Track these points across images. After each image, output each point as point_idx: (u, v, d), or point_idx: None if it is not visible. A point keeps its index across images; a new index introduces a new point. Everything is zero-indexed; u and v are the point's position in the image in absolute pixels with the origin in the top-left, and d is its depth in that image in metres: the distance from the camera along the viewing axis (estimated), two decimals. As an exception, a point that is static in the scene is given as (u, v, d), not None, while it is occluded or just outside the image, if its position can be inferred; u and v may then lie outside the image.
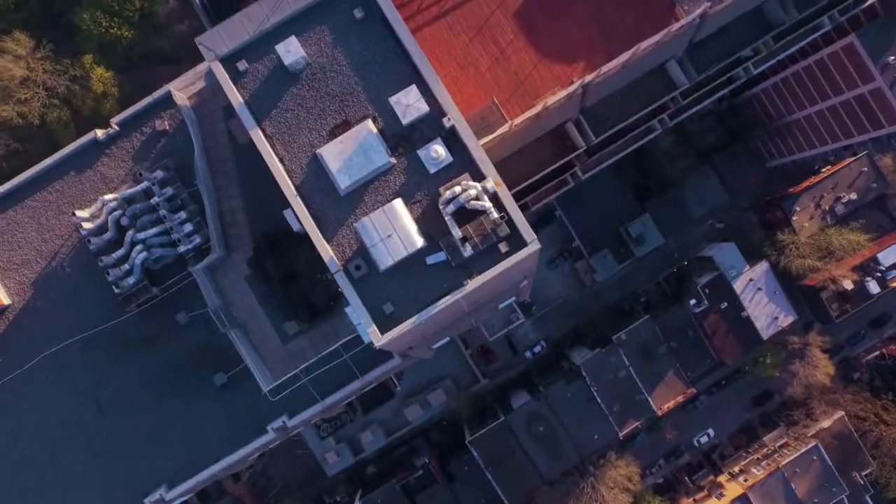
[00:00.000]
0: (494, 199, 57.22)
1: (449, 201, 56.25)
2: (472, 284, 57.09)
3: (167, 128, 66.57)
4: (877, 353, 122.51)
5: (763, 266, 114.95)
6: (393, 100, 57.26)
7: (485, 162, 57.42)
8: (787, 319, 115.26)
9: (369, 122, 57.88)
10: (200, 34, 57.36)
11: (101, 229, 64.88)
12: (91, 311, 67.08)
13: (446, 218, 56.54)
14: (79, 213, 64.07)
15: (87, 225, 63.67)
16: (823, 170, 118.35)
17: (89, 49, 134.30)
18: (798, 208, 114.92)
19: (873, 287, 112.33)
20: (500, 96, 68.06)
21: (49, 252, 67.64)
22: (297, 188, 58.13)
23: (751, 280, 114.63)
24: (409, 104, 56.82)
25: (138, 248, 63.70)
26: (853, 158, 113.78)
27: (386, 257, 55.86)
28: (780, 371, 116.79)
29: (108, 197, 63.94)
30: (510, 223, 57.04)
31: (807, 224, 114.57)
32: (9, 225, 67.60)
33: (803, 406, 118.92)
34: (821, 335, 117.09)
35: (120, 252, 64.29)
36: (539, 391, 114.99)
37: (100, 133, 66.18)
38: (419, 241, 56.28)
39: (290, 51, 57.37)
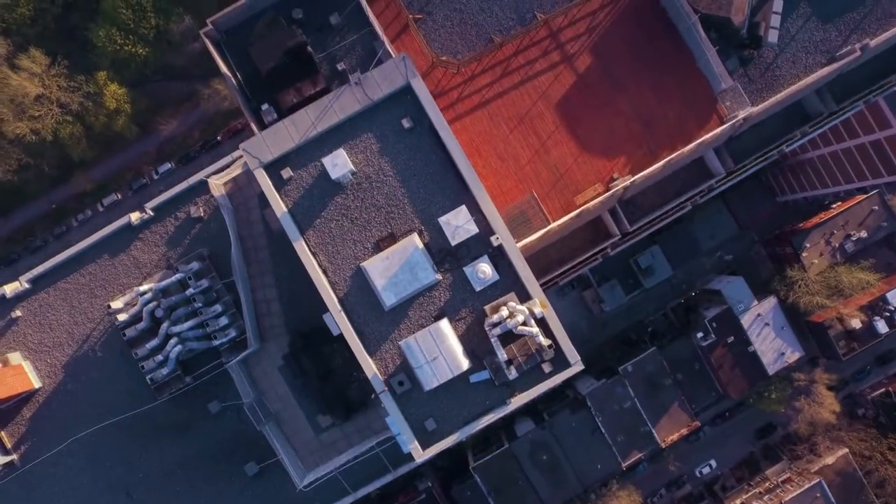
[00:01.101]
0: (541, 322, 54.75)
1: (496, 325, 54.12)
2: (516, 403, 55.19)
3: (202, 214, 63.74)
4: (882, 390, 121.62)
5: (771, 301, 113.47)
6: (442, 220, 54.77)
7: (531, 282, 55.34)
8: (793, 355, 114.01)
9: (415, 237, 55.45)
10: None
11: (136, 319, 62.23)
12: (122, 395, 64.93)
13: (492, 339, 54.63)
14: (113, 304, 61.53)
15: (121, 317, 61.16)
16: (834, 206, 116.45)
17: (103, 65, 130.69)
18: (808, 245, 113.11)
19: (882, 327, 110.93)
20: (540, 190, 65.53)
21: (81, 335, 65.16)
22: (340, 301, 55.47)
23: (758, 315, 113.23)
24: (458, 226, 54.40)
25: (173, 341, 61.38)
26: (864, 196, 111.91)
27: (431, 379, 53.94)
28: (786, 407, 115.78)
29: (142, 288, 61.27)
30: (554, 343, 54.91)
31: (816, 261, 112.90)
32: (41, 307, 64.97)
33: (807, 441, 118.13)
34: (827, 372, 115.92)
35: (154, 342, 61.97)
36: (544, 419, 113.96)
37: (133, 217, 63.34)
38: (465, 364, 54.35)
39: (338, 164, 54.77)
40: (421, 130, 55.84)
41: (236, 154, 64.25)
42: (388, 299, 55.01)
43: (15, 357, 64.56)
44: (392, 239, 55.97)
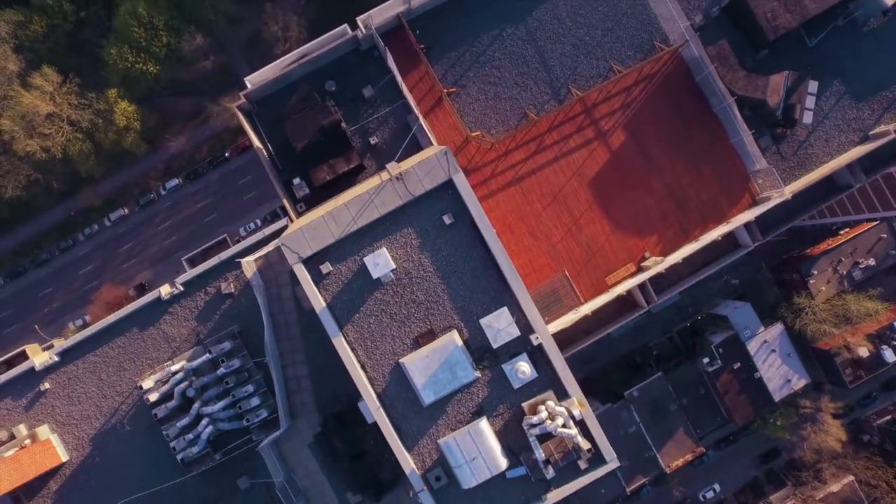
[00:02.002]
0: (580, 423, 53.78)
1: (535, 425, 53.05)
2: (552, 498, 54.34)
3: (232, 290, 62.26)
4: (888, 417, 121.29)
5: (778, 328, 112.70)
6: (484, 322, 53.57)
7: (570, 380, 54.32)
8: (799, 382, 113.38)
9: (455, 334, 54.21)
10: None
11: (166, 397, 60.80)
12: (150, 470, 63.68)
13: (530, 439, 53.74)
14: (144, 384, 59.94)
15: (152, 397, 59.80)
16: (842, 232, 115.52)
17: (114, 82, 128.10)
18: (815, 271, 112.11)
19: (889, 356, 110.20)
20: (572, 269, 64.36)
21: (109, 408, 63.78)
22: (378, 396, 54.22)
23: (765, 342, 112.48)
24: (500, 329, 53.26)
25: (205, 421, 60.16)
26: (872, 224, 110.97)
27: (470, 478, 53.10)
28: (791, 433, 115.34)
29: (174, 368, 59.86)
30: (591, 440, 54.14)
31: (823, 288, 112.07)
32: (70, 379, 63.51)
33: (812, 468, 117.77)
34: (832, 399, 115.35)
35: (185, 421, 60.76)
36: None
37: (163, 292, 61.67)
38: (503, 464, 53.49)
39: (380, 264, 53.36)
40: (462, 226, 54.28)
41: (268, 230, 62.48)
42: (428, 397, 53.89)
43: (43, 431, 63.06)
44: (431, 335, 54.66)
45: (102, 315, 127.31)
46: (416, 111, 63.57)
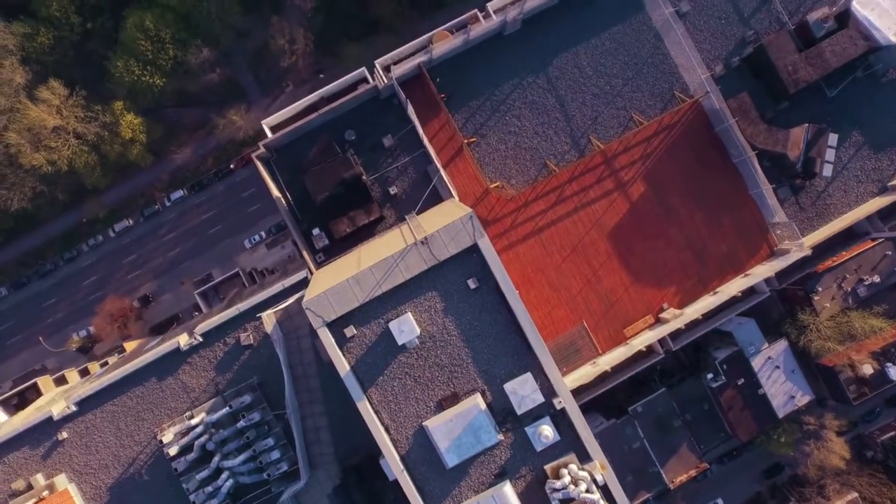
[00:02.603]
0: (603, 487, 53.60)
1: (558, 490, 52.81)
2: (571, 557, 54.16)
3: (252, 342, 61.64)
4: (892, 433, 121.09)
5: (782, 345, 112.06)
6: (508, 388, 53.29)
7: (592, 444, 54.08)
8: (803, 399, 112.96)
9: (478, 398, 53.87)
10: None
11: (186, 450, 60.34)
12: (169, 519, 62.91)
13: (553, 503, 53.12)
14: (164, 437, 59.55)
15: (171, 451, 59.30)
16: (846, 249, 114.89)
17: (120, 94, 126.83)
18: (820, 288, 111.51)
19: (893, 373, 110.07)
20: (590, 320, 64.03)
21: (127, 458, 63.31)
22: (402, 458, 53.88)
23: (769, 358, 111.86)
24: (524, 395, 52.98)
25: (225, 475, 59.86)
26: (877, 241, 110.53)
27: (492, 542, 52.47)
28: (794, 450, 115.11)
29: (193, 422, 59.44)
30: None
31: (828, 305, 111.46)
32: (87, 429, 62.97)
33: (816, 484, 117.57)
34: (836, 415, 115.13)
35: (204, 474, 60.47)
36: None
37: (182, 342, 61.11)
38: (526, 527, 52.87)
39: (405, 331, 52.77)
40: (486, 290, 53.80)
41: (288, 281, 61.74)
42: (451, 460, 53.64)
43: (61, 480, 62.63)
44: (455, 398, 54.31)
45: (106, 327, 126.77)
46: (436, 162, 62.85)
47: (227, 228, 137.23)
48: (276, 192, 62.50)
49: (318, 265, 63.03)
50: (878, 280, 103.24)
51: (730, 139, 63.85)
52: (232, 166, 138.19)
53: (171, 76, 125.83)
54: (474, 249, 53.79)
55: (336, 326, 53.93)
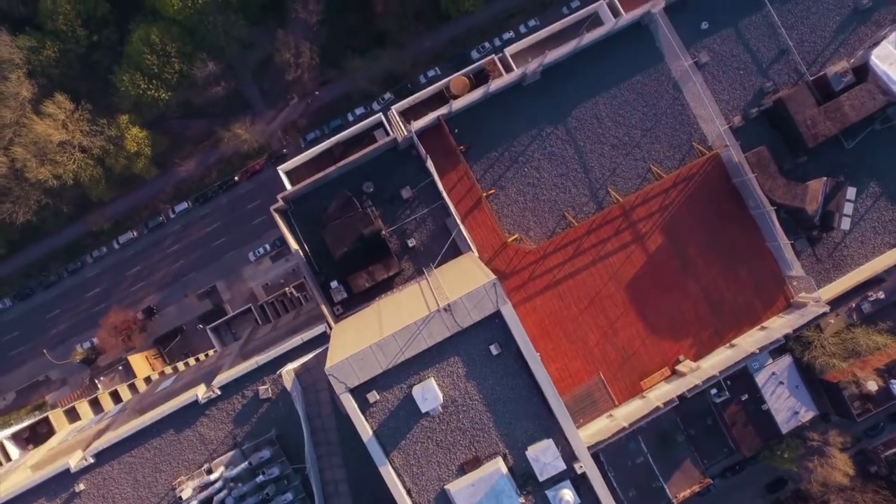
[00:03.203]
0: (623, 552, 53.55)
1: (579, 556, 52.80)
2: None
3: (270, 395, 61.35)
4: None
5: (786, 360, 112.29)
6: (530, 455, 53.39)
7: (613, 508, 53.75)
8: (807, 415, 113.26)
9: (500, 461, 53.93)
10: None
11: (205, 504, 60.30)
12: (187, 570, 62.82)
13: (573, 567, 53.21)
14: (182, 493, 59.30)
15: (190, 507, 59.11)
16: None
17: (125, 107, 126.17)
18: None
19: None
20: (607, 372, 63.96)
21: (145, 509, 62.94)
22: (423, 522, 53.89)
23: (773, 374, 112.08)
24: (546, 462, 53.06)
25: (244, 530, 59.40)
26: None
27: None
28: (797, 465, 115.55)
29: (212, 477, 59.14)
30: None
31: (832, 321, 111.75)
32: (105, 480, 62.76)
33: (819, 500, 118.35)
34: (841, 434, 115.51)
35: (223, 529, 59.93)
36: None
37: (200, 395, 60.80)
38: (547, 591, 53.05)
39: (428, 399, 52.73)
40: (508, 355, 53.70)
41: (306, 336, 61.49)
42: (473, 526, 53.45)
43: (79, 532, 62.39)
44: (476, 462, 54.29)
45: (110, 339, 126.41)
46: (455, 214, 62.42)
47: (232, 241, 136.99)
48: (294, 245, 62.10)
49: (337, 318, 62.55)
50: (883, 296, 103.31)
51: (748, 191, 63.55)
52: (236, 178, 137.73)
53: (176, 89, 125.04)
54: (497, 316, 53.46)
55: (359, 392, 53.85)
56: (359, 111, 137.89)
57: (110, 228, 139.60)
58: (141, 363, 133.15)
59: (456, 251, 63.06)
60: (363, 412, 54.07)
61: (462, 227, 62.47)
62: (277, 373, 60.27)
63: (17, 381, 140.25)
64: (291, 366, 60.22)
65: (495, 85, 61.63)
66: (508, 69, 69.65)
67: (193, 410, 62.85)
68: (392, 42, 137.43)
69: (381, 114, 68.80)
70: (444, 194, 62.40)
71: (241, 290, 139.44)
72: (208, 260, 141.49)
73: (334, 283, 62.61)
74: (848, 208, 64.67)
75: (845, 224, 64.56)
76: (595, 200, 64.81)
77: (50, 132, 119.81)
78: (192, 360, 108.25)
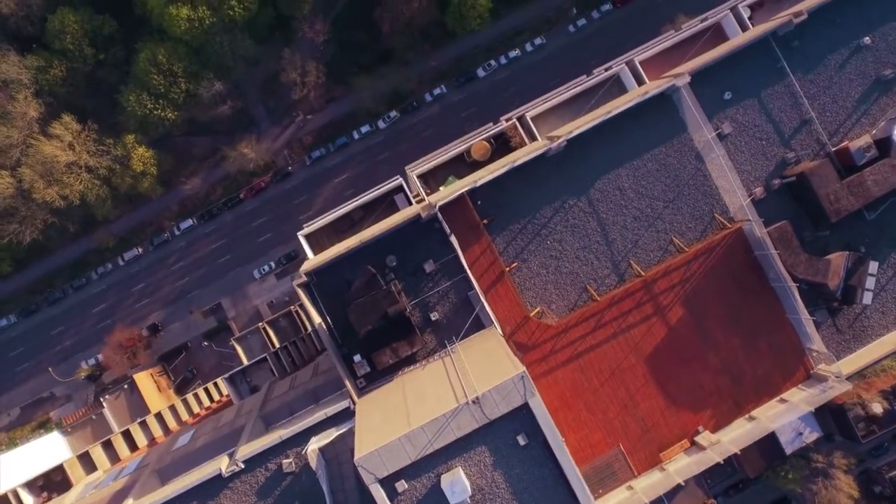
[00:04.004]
0: None
1: None
2: None
3: (293, 468, 61.34)
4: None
5: None
6: (557, 556, 53.22)
7: None
8: (811, 436, 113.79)
9: (525, 551, 53.83)
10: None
11: (228, 580, 60.39)
12: None
13: None
14: (208, 570, 59.34)
15: (215, 584, 59.18)
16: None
17: (130, 125, 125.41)
18: None
19: None
20: (626, 444, 64.22)
21: (166, 579, 63.07)
22: None
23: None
24: (573, 568, 52.95)
25: None
26: None
27: None
28: (801, 487, 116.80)
29: (237, 555, 59.21)
30: None
31: None
32: (127, 552, 62.54)
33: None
34: (845, 456, 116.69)
35: None
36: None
37: (224, 468, 60.75)
38: None
39: (457, 491, 52.88)
40: (535, 445, 53.88)
41: (330, 411, 61.44)
42: None
43: None
44: (503, 550, 54.30)
45: (115, 357, 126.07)
46: (477, 289, 62.22)
47: (237, 258, 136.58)
48: (317, 319, 61.75)
49: (360, 390, 62.47)
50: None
51: (769, 264, 63.36)
52: (241, 196, 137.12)
53: (182, 108, 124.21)
54: (525, 407, 53.52)
55: (387, 482, 53.94)
56: (364, 129, 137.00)
57: (115, 245, 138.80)
58: (146, 382, 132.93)
59: (479, 324, 62.71)
60: (391, 501, 54.04)
61: (485, 300, 62.08)
62: (302, 449, 59.96)
63: (22, 397, 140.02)
64: (316, 443, 60.06)
65: (520, 158, 61.10)
66: (530, 133, 69.00)
67: (217, 484, 62.86)
68: (398, 60, 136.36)
69: (400, 178, 68.15)
70: (467, 269, 62.03)
71: (246, 307, 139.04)
72: (213, 277, 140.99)
73: (357, 358, 62.47)
74: (870, 282, 64.62)
75: (867, 298, 64.55)
76: (617, 273, 64.60)
77: (57, 153, 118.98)
78: (202, 394, 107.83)
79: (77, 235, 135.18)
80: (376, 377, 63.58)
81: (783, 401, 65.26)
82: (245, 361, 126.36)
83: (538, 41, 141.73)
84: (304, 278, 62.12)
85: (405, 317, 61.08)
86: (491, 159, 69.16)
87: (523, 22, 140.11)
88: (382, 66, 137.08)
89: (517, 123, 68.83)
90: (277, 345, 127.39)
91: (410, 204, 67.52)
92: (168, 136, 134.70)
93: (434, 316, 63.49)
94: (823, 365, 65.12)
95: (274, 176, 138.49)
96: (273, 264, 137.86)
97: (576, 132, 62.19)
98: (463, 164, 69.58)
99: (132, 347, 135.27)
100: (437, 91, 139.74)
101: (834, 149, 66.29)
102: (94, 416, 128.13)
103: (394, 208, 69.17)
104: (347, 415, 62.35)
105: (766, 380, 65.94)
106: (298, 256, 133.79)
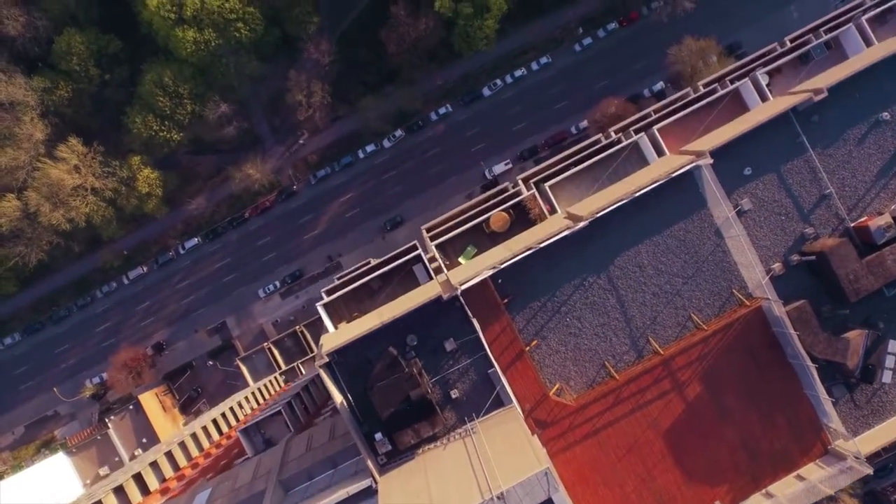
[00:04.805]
0: None
1: None
2: None
3: (315, 546, 61.81)
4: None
5: None
6: None
7: None
8: None
9: None
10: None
11: None
12: None
13: None
14: None
15: None
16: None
17: (136, 146, 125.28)
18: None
19: None
20: (644, 518, 64.57)
21: None
22: None
23: None
24: None
25: None
26: None
27: None
28: None
29: None
30: None
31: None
32: None
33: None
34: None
35: None
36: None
37: (246, 545, 61.22)
38: None
39: (481, 589, 52.94)
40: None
41: (352, 489, 61.90)
42: None
43: None
44: None
45: (120, 377, 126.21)
46: (497, 368, 62.52)
47: (242, 277, 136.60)
48: (339, 399, 61.87)
49: (381, 467, 62.81)
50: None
51: (786, 340, 63.65)
52: (246, 215, 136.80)
53: (187, 129, 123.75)
54: (548, 502, 53.88)
55: None
56: (369, 148, 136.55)
57: (120, 264, 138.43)
58: (152, 402, 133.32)
59: (499, 401, 63.02)
60: None
61: (504, 379, 62.35)
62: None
63: (26, 416, 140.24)
64: (339, 528, 60.38)
65: (543, 243, 61.04)
66: (549, 203, 68.92)
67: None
68: (403, 79, 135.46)
69: (420, 251, 68.03)
70: (487, 348, 62.21)
71: (250, 326, 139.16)
72: (218, 296, 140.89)
73: (378, 436, 62.67)
74: (889, 361, 65.06)
75: (887, 377, 65.10)
76: (635, 349, 64.86)
77: (63, 177, 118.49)
78: (211, 427, 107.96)
79: (82, 255, 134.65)
80: (397, 454, 63.68)
81: (800, 477, 65.62)
82: (250, 382, 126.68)
83: (544, 60, 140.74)
84: (326, 359, 61.96)
85: (427, 399, 61.25)
86: (510, 230, 68.95)
87: (529, 41, 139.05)
88: (388, 85, 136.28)
89: (536, 194, 68.54)
90: (283, 366, 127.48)
91: (430, 276, 67.23)
92: (173, 155, 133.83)
93: (454, 394, 63.68)
94: (841, 441, 65.49)
95: (279, 195, 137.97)
96: (278, 283, 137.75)
97: (598, 214, 61.85)
98: (482, 233, 69.25)
99: (137, 367, 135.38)
100: (442, 110, 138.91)
101: (853, 224, 66.25)
102: (98, 437, 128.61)
103: (412, 277, 68.91)
104: (368, 493, 62.56)
105: (783, 455, 66.40)
106: (303, 275, 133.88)
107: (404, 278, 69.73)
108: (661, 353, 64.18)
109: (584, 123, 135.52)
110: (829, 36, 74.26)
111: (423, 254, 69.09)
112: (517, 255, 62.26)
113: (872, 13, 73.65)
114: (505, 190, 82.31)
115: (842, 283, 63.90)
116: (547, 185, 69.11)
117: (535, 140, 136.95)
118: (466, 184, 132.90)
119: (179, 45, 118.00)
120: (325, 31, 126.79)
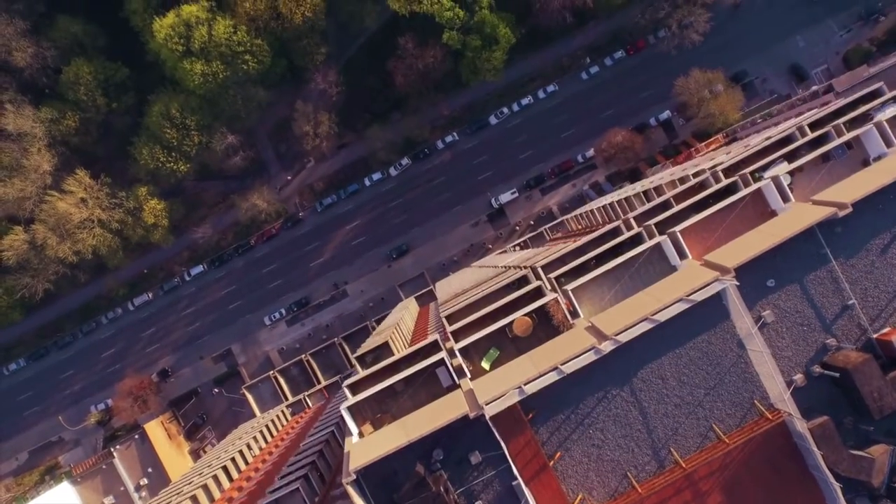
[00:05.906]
0: None
1: None
2: None
3: None
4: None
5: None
6: None
7: None
8: None
9: None
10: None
11: None
12: None
13: None
14: None
15: None
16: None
17: (142, 176, 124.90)
18: None
19: None
20: None
21: None
22: None
23: None
24: None
25: None
26: None
27: None
28: None
29: None
30: None
31: None
32: None
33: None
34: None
35: None
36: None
37: None
38: None
39: None
40: None
41: None
42: None
43: None
44: None
45: (125, 405, 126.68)
46: (521, 481, 63.00)
47: (247, 304, 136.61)
48: (363, 513, 62.15)
49: (405, 578, 63.44)
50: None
51: (808, 452, 64.22)
52: (252, 242, 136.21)
53: (194, 160, 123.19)
54: None
55: None
56: (375, 176, 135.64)
57: (125, 291, 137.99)
58: (157, 432, 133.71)
59: (522, 513, 63.49)
60: None
61: (528, 492, 62.84)
62: None
63: (31, 441, 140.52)
64: None
65: (570, 368, 61.18)
66: (569, 301, 68.96)
67: None
68: (410, 108, 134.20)
69: (443, 353, 68.03)
70: (511, 462, 62.58)
71: (256, 353, 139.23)
72: (223, 323, 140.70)
73: (405, 534, 63.16)
74: (911, 460, 65.59)
75: (906, 488, 65.62)
76: (657, 459, 65.25)
77: (71, 211, 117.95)
78: (212, 486, 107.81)
79: (87, 283, 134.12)
80: (422, 566, 64.16)
81: (817, 586, 66.54)
82: (257, 412, 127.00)
83: (551, 88, 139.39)
84: (354, 476, 62.22)
85: (453, 518, 61.63)
86: (533, 334, 68.82)
87: (536, 69, 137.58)
88: (394, 113, 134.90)
89: (559, 299, 68.35)
90: (291, 398, 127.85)
91: (453, 380, 67.36)
92: (178, 183, 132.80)
93: (478, 503, 64.12)
94: (860, 555, 66.37)
95: (285, 222, 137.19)
96: (283, 311, 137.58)
97: (621, 335, 61.91)
98: (503, 335, 69.22)
99: (142, 395, 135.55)
100: (448, 138, 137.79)
101: (875, 336, 66.32)
102: (104, 466, 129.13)
103: (435, 380, 68.99)
104: None
105: (796, 528, 67.21)
106: (309, 303, 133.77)
107: (427, 380, 69.70)
108: (683, 465, 64.49)
109: (591, 153, 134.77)
110: (850, 136, 73.73)
111: (446, 357, 68.92)
112: (543, 375, 62.20)
113: (892, 113, 73.14)
114: (526, 280, 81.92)
115: (866, 401, 64.16)
116: (569, 287, 68.78)
117: (542, 168, 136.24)
118: (473, 212, 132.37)
119: (187, 77, 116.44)
120: (332, 59, 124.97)
